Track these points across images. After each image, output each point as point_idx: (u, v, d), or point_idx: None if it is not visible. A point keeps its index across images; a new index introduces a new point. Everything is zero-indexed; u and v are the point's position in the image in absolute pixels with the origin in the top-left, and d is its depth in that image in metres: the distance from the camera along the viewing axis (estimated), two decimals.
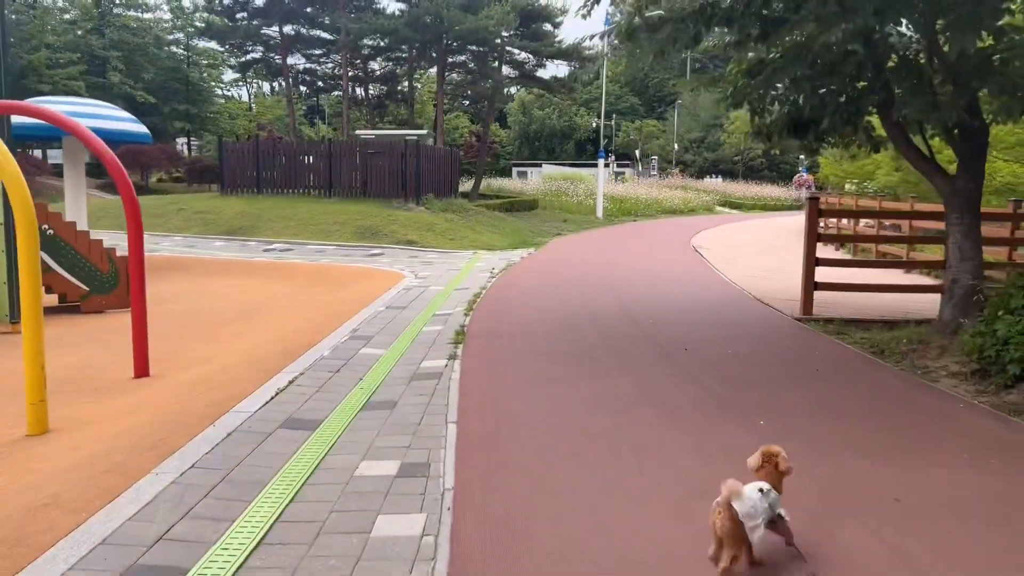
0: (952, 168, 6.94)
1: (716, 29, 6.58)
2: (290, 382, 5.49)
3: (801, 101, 6.59)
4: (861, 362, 6.34)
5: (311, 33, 30.94)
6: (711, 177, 55.04)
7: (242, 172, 21.19)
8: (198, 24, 29.64)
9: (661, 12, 7.24)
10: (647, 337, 7.24)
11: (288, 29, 30.58)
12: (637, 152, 59.59)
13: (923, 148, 6.99)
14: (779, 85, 6.59)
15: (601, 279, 11.65)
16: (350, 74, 34.61)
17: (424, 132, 22.32)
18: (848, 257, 13.76)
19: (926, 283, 10.18)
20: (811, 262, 8.17)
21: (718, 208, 41.24)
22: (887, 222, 14.95)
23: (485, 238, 18.35)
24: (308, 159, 20.81)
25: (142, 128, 13.82)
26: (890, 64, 6.37)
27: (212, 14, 26.92)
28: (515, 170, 59.33)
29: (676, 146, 60.05)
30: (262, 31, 27.29)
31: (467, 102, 62.87)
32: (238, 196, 20.91)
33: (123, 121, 13.40)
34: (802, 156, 53.53)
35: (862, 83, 6.76)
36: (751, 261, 14.44)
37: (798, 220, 32.64)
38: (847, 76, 6.45)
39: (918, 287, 9.34)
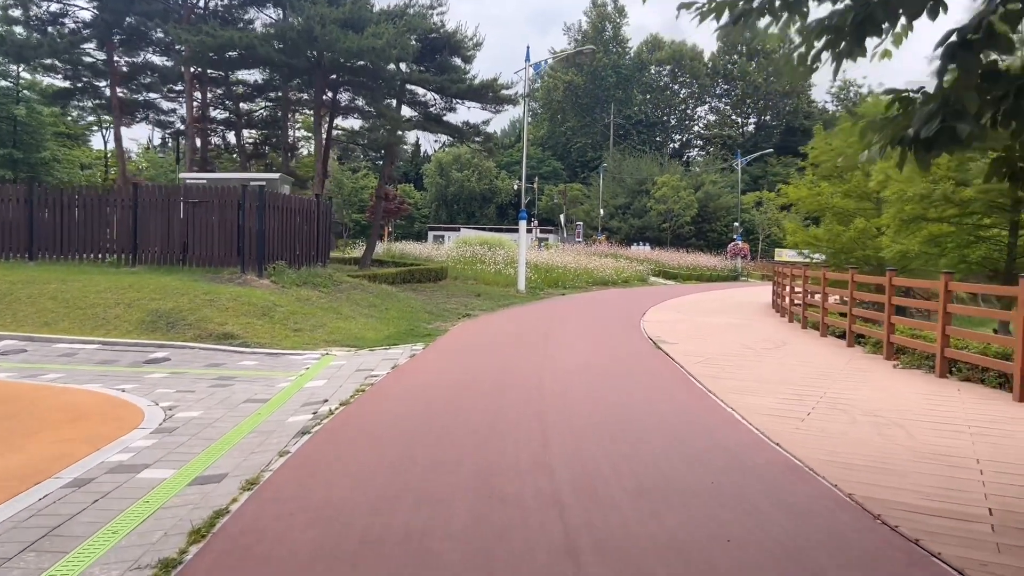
0: None
1: None
2: None
3: None
4: None
5: (166, 64, 25.00)
6: (638, 244, 51.76)
7: (9, 229, 14.74)
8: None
9: None
10: None
11: (136, 59, 24.63)
12: (562, 217, 55.56)
13: None
14: None
15: (523, 436, 6.01)
16: (222, 116, 28.80)
17: (275, 176, 16.35)
18: None
19: None
20: None
21: (652, 279, 37.03)
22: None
23: (353, 326, 12.55)
24: (108, 212, 14.60)
25: None
26: None
27: (11, 24, 20.23)
28: (431, 234, 54.45)
29: (602, 212, 56.54)
30: (78, 49, 20.88)
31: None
32: None
33: None
34: (736, 223, 50.86)
35: None
36: (751, 371, 9.23)
37: (751, 293, 28.56)
38: None
39: None
